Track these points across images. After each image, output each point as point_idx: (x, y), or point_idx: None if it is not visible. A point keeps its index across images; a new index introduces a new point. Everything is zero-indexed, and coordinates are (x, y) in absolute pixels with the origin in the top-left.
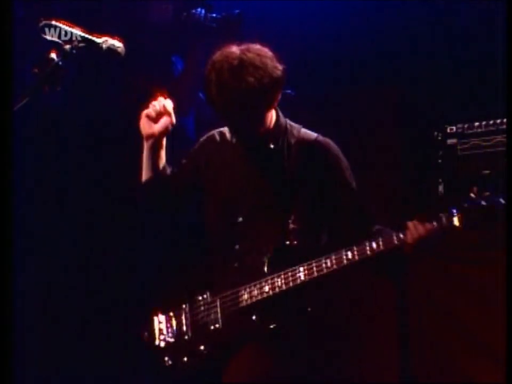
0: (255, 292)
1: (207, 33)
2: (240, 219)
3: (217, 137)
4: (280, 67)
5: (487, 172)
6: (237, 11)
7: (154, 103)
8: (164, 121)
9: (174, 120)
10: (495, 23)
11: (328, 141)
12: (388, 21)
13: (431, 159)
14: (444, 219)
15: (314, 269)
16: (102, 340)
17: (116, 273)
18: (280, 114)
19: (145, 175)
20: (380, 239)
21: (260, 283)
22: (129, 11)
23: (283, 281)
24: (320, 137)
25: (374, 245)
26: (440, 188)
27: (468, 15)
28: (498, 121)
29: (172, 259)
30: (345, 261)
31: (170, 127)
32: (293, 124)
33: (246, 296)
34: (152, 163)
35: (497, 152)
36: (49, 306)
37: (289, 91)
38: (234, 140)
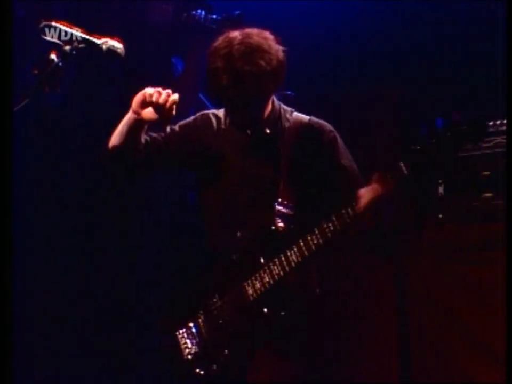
0: (258, 285)
1: (207, 34)
2: (240, 209)
3: (214, 122)
4: (281, 48)
5: (487, 173)
6: (237, 12)
7: (161, 91)
8: (153, 114)
9: (157, 119)
10: (495, 23)
11: (322, 122)
12: (388, 21)
13: (431, 159)
14: (399, 169)
15: (304, 248)
16: (102, 339)
17: (115, 273)
18: (274, 97)
19: (114, 139)
20: (354, 204)
21: (260, 274)
22: (129, 11)
23: (279, 267)
24: (314, 120)
25: (350, 211)
26: (440, 189)
27: (468, 15)
28: (498, 122)
29: (172, 259)
30: (328, 233)
31: (154, 121)
32: (285, 107)
33: (251, 291)
34: (126, 132)
35: (497, 153)
36: (49, 306)
37: (289, 92)
38: (230, 126)
